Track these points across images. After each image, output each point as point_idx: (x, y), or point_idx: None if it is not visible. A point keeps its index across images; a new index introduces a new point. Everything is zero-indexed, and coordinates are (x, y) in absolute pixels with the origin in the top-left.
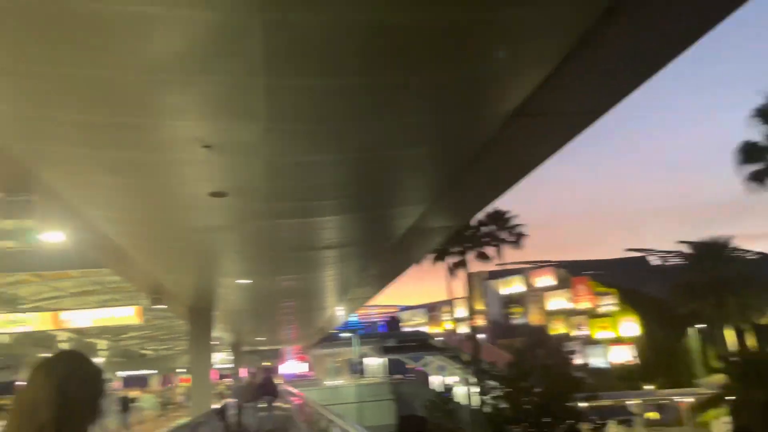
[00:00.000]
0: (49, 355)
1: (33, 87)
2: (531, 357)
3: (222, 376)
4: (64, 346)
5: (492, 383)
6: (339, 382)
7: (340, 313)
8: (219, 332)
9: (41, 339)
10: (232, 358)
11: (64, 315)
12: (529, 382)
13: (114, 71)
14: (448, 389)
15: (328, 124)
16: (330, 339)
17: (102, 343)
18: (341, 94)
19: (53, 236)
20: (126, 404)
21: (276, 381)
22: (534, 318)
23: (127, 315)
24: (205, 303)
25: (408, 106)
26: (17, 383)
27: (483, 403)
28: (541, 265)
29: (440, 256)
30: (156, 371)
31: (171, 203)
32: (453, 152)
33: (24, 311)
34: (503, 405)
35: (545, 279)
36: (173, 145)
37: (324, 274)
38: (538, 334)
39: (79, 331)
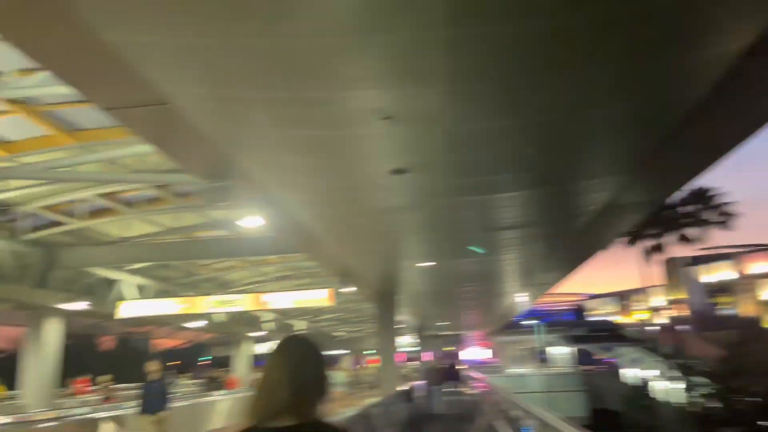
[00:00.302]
0: (258, 333)
1: (222, 64)
2: (744, 352)
3: (408, 359)
4: (269, 326)
5: (699, 380)
6: (524, 370)
7: (522, 299)
8: (403, 316)
9: (250, 318)
10: (417, 341)
11: (266, 297)
12: (743, 380)
13: (293, 39)
14: (644, 383)
15: (515, 81)
16: (513, 326)
17: (300, 324)
18: (532, 41)
19: (253, 221)
20: None
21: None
22: (745, 309)
23: (320, 297)
24: (390, 286)
25: (615, 49)
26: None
27: (688, 400)
28: (755, 249)
29: (634, 239)
30: (347, 352)
31: (353, 183)
32: (666, 108)
33: (234, 294)
34: (713, 404)
35: (760, 265)
36: (353, 119)
37: (506, 258)
38: (752, 326)
39: (282, 312)
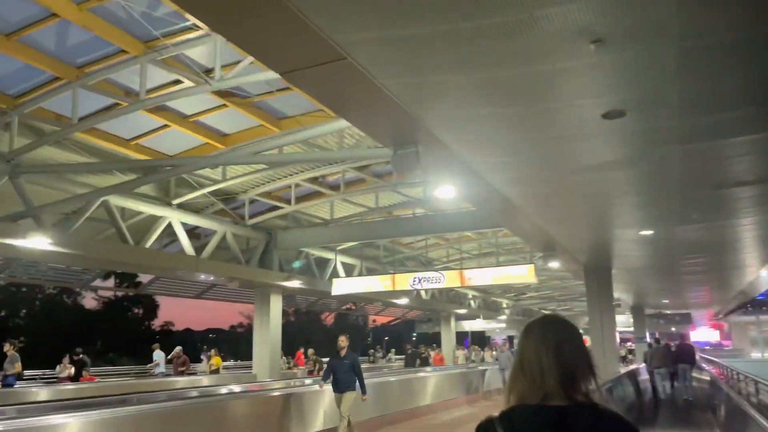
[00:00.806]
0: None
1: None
2: None
3: (623, 340)
4: (474, 303)
5: None
6: None
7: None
8: (617, 293)
9: (454, 296)
10: (632, 321)
11: (468, 273)
12: None
13: None
14: None
15: None
16: (755, 304)
17: (504, 302)
18: None
19: (444, 191)
20: None
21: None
22: None
23: (521, 274)
24: (601, 260)
25: None
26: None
27: None
28: None
29: None
30: None
31: (555, 134)
32: None
33: (435, 271)
34: None
35: None
36: (554, 45)
37: (740, 222)
38: None
39: (485, 290)
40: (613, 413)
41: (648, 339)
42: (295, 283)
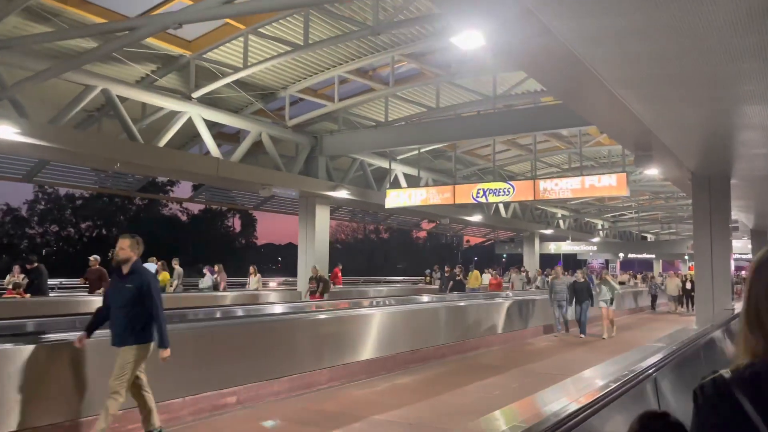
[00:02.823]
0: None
1: None
2: None
3: (737, 269)
4: (561, 223)
5: None
6: None
7: None
8: (735, 212)
9: (539, 215)
10: (750, 247)
11: (543, 184)
12: None
13: None
14: None
15: None
16: None
17: (599, 223)
18: None
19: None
20: None
21: None
22: None
23: (608, 185)
24: (717, 163)
25: None
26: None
27: None
28: None
29: None
30: (653, 256)
31: None
32: None
33: (505, 181)
34: None
35: None
36: None
37: None
38: None
39: (576, 210)
40: None
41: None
42: (342, 194)
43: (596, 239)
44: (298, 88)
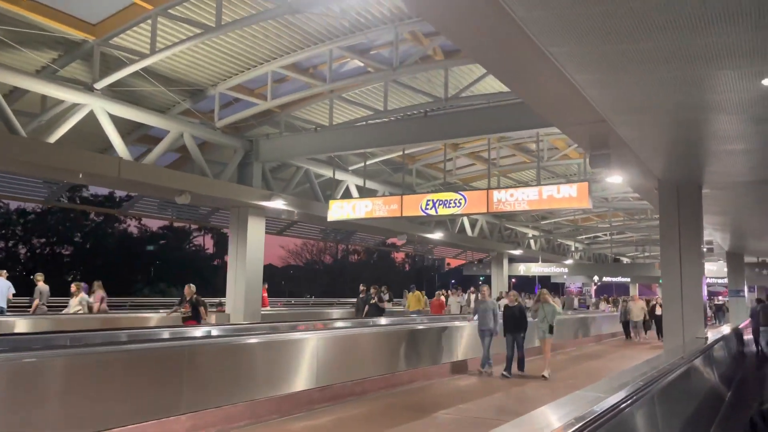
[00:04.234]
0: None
1: None
2: None
3: (712, 294)
4: (532, 244)
5: None
6: None
7: None
8: (708, 229)
9: (510, 235)
10: (726, 270)
11: (497, 195)
12: None
13: None
14: None
15: None
16: None
17: (573, 245)
18: None
19: None
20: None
21: None
22: None
23: (568, 195)
24: (684, 166)
25: None
26: None
27: None
28: None
29: None
30: (628, 279)
31: None
32: None
33: (456, 191)
34: None
35: None
36: None
37: None
38: None
39: (548, 230)
40: None
41: (746, 293)
42: (278, 204)
43: (569, 261)
44: (229, 85)
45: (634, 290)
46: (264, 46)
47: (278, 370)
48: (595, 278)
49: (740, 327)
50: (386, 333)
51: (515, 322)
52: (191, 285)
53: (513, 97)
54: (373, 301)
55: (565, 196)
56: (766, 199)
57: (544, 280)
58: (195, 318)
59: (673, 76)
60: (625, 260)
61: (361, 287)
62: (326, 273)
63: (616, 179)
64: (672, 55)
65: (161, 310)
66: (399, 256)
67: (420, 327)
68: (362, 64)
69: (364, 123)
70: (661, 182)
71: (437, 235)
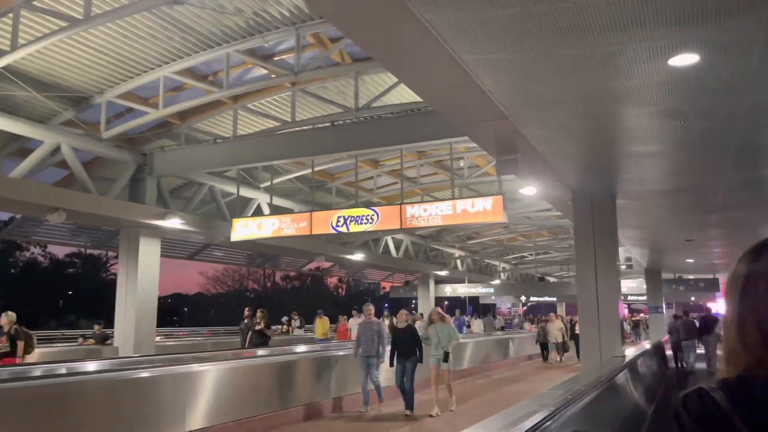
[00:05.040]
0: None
1: None
2: None
3: (633, 311)
4: (459, 264)
5: None
6: None
7: None
8: (626, 245)
9: (436, 256)
10: (645, 287)
11: (410, 210)
12: None
13: None
14: None
15: None
16: None
17: (500, 265)
18: None
19: None
20: None
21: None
22: None
23: (482, 209)
24: (597, 174)
25: None
26: None
27: None
28: None
29: None
30: (555, 299)
31: None
32: None
33: (368, 207)
34: None
35: None
36: None
37: None
38: None
39: (475, 251)
40: None
41: (664, 309)
42: (174, 223)
43: (496, 281)
44: (118, 92)
45: (561, 310)
46: (153, 49)
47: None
48: (523, 298)
49: (661, 342)
50: (243, 368)
51: (405, 347)
52: (9, 313)
53: (425, 106)
54: (258, 327)
55: (479, 210)
56: (679, 211)
57: (475, 302)
58: (13, 354)
59: (574, 54)
60: (552, 279)
61: (246, 311)
62: (257, 300)
63: (530, 191)
64: (571, 25)
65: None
66: (333, 280)
67: (290, 358)
68: (266, 71)
69: (270, 135)
70: (575, 193)
71: (358, 257)
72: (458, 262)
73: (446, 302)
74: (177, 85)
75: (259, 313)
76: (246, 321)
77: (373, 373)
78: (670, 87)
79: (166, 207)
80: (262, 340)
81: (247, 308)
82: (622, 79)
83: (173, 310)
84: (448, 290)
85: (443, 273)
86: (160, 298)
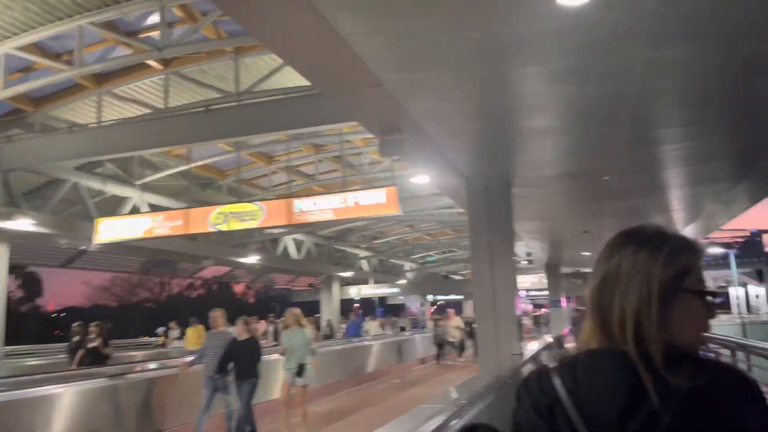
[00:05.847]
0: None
1: None
2: None
3: (536, 306)
4: (364, 265)
5: None
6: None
7: (688, 232)
8: (525, 239)
9: (340, 257)
10: (546, 282)
11: (298, 203)
12: None
13: None
14: None
15: None
16: None
17: (407, 265)
18: None
19: None
20: None
21: None
22: None
23: (377, 202)
24: (489, 158)
25: None
26: None
27: None
28: None
29: None
30: (462, 296)
31: None
32: None
33: (252, 202)
34: None
35: None
36: None
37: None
38: None
39: (379, 250)
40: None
41: (564, 303)
42: (25, 224)
43: (402, 281)
44: None
45: (468, 308)
46: None
47: None
48: (429, 297)
49: (562, 335)
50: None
51: (243, 364)
52: None
53: (313, 90)
54: (93, 345)
55: (373, 202)
56: (573, 199)
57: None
58: None
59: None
60: (458, 278)
61: (74, 327)
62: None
63: (422, 179)
64: None
65: None
66: (239, 287)
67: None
68: (131, 51)
69: (137, 122)
70: (468, 180)
71: (252, 259)
72: (364, 262)
73: (357, 305)
74: (25, 65)
75: (93, 328)
76: (76, 338)
77: (225, 399)
78: (560, 37)
79: (15, 206)
80: (96, 359)
81: (76, 323)
82: (508, 25)
83: (67, 327)
84: (353, 292)
85: (348, 274)
86: (50, 313)
